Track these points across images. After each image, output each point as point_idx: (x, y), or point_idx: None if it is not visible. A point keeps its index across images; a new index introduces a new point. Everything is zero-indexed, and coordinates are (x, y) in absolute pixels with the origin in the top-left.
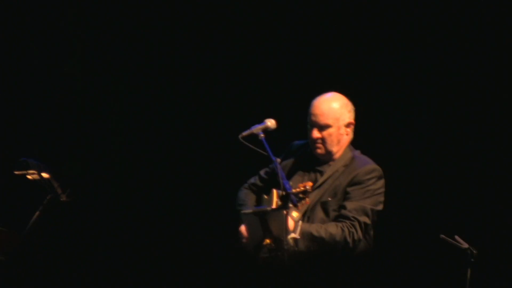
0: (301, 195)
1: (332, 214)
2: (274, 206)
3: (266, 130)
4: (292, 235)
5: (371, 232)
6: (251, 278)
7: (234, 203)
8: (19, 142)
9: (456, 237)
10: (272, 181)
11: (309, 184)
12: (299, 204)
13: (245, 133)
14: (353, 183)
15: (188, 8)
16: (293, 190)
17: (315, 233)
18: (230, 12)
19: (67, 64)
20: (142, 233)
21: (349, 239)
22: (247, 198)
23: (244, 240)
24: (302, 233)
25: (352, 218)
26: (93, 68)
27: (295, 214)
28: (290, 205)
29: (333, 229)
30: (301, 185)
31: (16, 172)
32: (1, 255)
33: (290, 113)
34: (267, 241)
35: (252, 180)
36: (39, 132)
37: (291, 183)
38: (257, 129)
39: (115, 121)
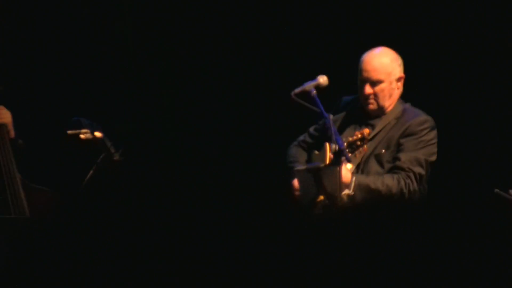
0: (358, 143)
1: (387, 165)
2: (327, 161)
3: (318, 87)
4: (346, 191)
5: (426, 185)
6: (306, 233)
7: (284, 161)
8: (71, 101)
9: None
10: (321, 138)
11: (366, 131)
12: (356, 152)
13: (297, 90)
14: (406, 134)
15: None
16: (350, 139)
17: (372, 185)
18: None
19: (120, 23)
20: (198, 195)
21: (405, 190)
22: (297, 155)
23: (296, 193)
24: (359, 185)
25: (407, 169)
26: (147, 29)
27: (349, 166)
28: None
29: (389, 181)
30: (357, 132)
31: (69, 132)
32: (45, 214)
33: (339, 69)
34: (321, 197)
35: (301, 138)
36: (92, 91)
37: (343, 138)
38: (309, 86)
39: (167, 82)
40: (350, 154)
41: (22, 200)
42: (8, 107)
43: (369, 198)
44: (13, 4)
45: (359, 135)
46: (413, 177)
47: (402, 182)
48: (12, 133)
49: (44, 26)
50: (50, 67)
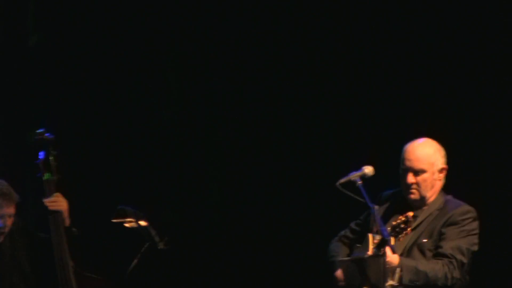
0: (402, 225)
1: (428, 254)
2: (370, 252)
3: (363, 177)
4: (391, 282)
5: (467, 276)
6: None
7: (326, 256)
8: (116, 190)
9: None
10: (363, 233)
11: (410, 214)
12: (400, 236)
13: (342, 180)
14: (448, 223)
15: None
16: (394, 222)
17: (420, 267)
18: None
19: (165, 113)
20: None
21: (448, 276)
22: (339, 249)
23: (341, 284)
24: (407, 266)
25: (450, 256)
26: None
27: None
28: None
29: (435, 265)
30: (401, 216)
31: (114, 220)
32: None
33: (383, 160)
34: None
35: (342, 232)
36: (136, 180)
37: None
38: (354, 176)
39: (211, 170)
40: (394, 239)
41: (73, 287)
42: (64, 195)
43: (416, 280)
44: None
45: (403, 218)
46: (455, 264)
47: (446, 268)
48: (68, 221)
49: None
50: (98, 156)
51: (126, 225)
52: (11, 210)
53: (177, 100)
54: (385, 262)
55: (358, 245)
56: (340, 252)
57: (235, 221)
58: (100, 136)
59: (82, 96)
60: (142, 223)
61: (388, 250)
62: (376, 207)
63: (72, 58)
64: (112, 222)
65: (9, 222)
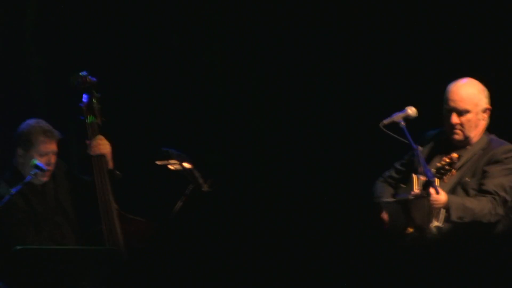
0: (447, 167)
1: (472, 193)
2: (414, 193)
3: (406, 118)
4: (435, 223)
5: (511, 215)
6: (396, 265)
7: (371, 196)
8: (160, 132)
9: None
10: (408, 172)
11: (454, 156)
12: (445, 177)
13: (386, 121)
14: (490, 162)
15: None
16: (438, 164)
17: (467, 204)
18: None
19: (206, 53)
20: (282, 226)
21: (493, 212)
22: (384, 190)
23: (386, 227)
24: (455, 204)
25: (493, 192)
26: (233, 57)
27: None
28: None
29: (480, 201)
30: (445, 157)
31: (157, 162)
32: (139, 244)
33: (425, 101)
34: (410, 229)
35: (387, 173)
36: (181, 121)
37: (430, 169)
38: (397, 116)
39: (255, 112)
40: (438, 180)
41: (117, 230)
42: (107, 138)
43: (464, 216)
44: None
45: (447, 160)
46: (499, 200)
47: (490, 204)
48: (111, 164)
49: (141, 61)
50: (141, 98)
51: (170, 167)
52: (53, 146)
53: (221, 43)
54: (429, 203)
55: (402, 185)
56: (385, 193)
57: (280, 163)
58: (143, 78)
59: (125, 38)
60: (186, 165)
61: (432, 191)
62: (420, 148)
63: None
64: (155, 164)
65: (52, 159)
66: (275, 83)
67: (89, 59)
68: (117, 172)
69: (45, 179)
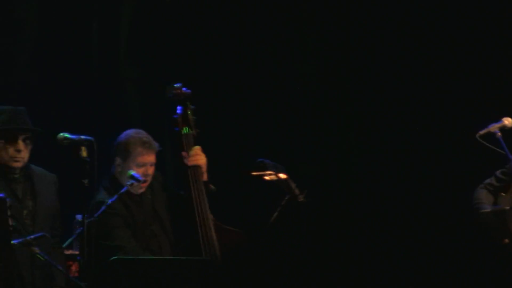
0: None
1: None
2: None
3: (503, 129)
4: None
5: None
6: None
7: (471, 202)
8: (255, 143)
9: None
10: (509, 181)
11: None
12: None
13: (482, 132)
14: None
15: None
16: None
17: None
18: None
19: (302, 67)
20: (375, 235)
21: None
22: (484, 197)
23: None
24: None
25: None
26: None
27: None
28: None
29: None
30: None
31: (253, 173)
32: (233, 255)
33: None
34: (506, 240)
35: (488, 180)
36: (276, 132)
37: None
38: (494, 127)
39: (350, 125)
40: None
41: (214, 241)
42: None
43: None
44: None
45: None
46: None
47: None
48: (206, 176)
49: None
50: (235, 110)
51: (266, 178)
52: (151, 158)
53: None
54: None
55: (502, 194)
56: (485, 200)
57: (373, 174)
58: (237, 89)
59: (219, 51)
60: (282, 175)
61: None
62: None
63: (207, 14)
64: (251, 175)
65: (150, 170)
66: (367, 97)
67: (183, 70)
68: (212, 186)
69: (141, 190)
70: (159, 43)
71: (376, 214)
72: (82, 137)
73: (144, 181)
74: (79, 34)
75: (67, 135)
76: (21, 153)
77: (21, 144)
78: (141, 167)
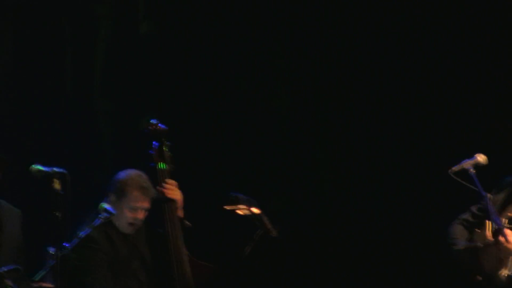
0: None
1: None
2: (486, 240)
3: (476, 166)
4: (505, 271)
5: None
6: None
7: (445, 238)
8: (228, 178)
9: None
10: (484, 218)
11: None
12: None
13: (455, 168)
14: None
15: None
16: (510, 214)
17: None
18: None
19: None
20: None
21: None
22: (458, 232)
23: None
24: None
25: None
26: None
27: None
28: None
29: None
30: (510, 213)
31: (226, 207)
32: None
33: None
34: (478, 277)
35: (463, 215)
36: (247, 167)
37: (506, 214)
38: (467, 164)
39: (322, 160)
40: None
41: (188, 276)
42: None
43: None
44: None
45: (510, 215)
46: None
47: None
48: (181, 213)
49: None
50: (208, 144)
51: (239, 212)
52: (146, 204)
53: (287, 91)
54: (499, 251)
55: (477, 230)
56: (459, 235)
57: (347, 209)
58: (209, 127)
59: (192, 86)
60: (255, 210)
61: (501, 239)
62: (489, 195)
63: (182, 47)
64: (224, 209)
65: (141, 215)
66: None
67: (157, 104)
68: (187, 222)
69: (129, 232)
70: (133, 76)
71: (350, 250)
72: (55, 169)
73: (134, 224)
74: (53, 65)
75: (40, 167)
76: None
77: None
78: (134, 211)
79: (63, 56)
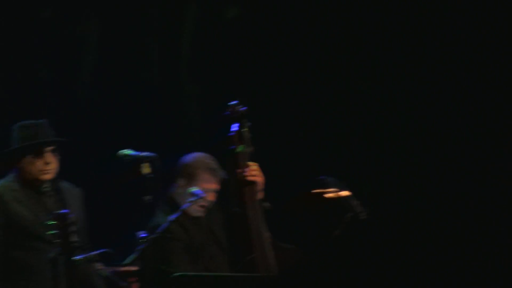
0: None
1: None
2: None
3: None
4: None
5: None
6: None
7: None
8: (317, 161)
9: None
10: None
11: None
12: None
13: None
14: None
15: None
16: None
17: None
18: None
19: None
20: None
21: None
22: None
23: None
24: None
25: None
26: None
27: None
28: None
29: None
30: None
31: (315, 191)
32: (288, 272)
33: None
34: None
35: None
36: (337, 150)
37: None
38: None
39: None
40: None
41: (270, 259)
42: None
43: None
44: None
45: None
46: None
47: None
48: (262, 195)
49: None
50: (293, 126)
51: (327, 196)
52: (216, 185)
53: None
54: None
55: None
56: None
57: (438, 193)
58: (296, 109)
59: (278, 69)
60: (344, 193)
61: None
62: None
63: (267, 31)
64: (312, 193)
65: (211, 197)
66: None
67: (244, 87)
68: (267, 204)
69: (199, 214)
70: (219, 61)
71: (442, 233)
72: (144, 153)
73: (203, 206)
74: (140, 51)
75: (127, 152)
76: (50, 165)
77: (49, 156)
78: (204, 193)
79: (150, 42)
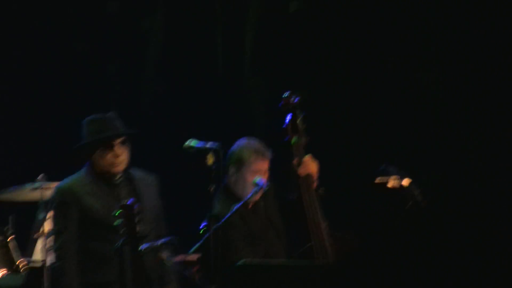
0: None
1: None
2: None
3: None
4: None
5: None
6: None
7: None
8: (377, 149)
9: None
10: None
11: None
12: None
13: None
14: None
15: None
16: None
17: None
18: None
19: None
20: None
21: None
22: None
23: None
24: None
25: None
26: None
27: None
28: None
29: None
30: None
31: (377, 180)
32: (345, 260)
33: None
34: None
35: None
36: (398, 138)
37: None
38: None
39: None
40: None
41: (327, 248)
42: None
43: None
44: None
45: None
46: None
47: None
48: (316, 183)
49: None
50: (348, 114)
51: (389, 184)
52: (265, 165)
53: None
54: None
55: None
56: None
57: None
58: (357, 100)
59: (339, 62)
60: (405, 181)
61: None
62: None
63: (329, 24)
64: (374, 182)
65: (263, 177)
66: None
67: (307, 79)
68: (321, 190)
69: (257, 198)
70: (282, 53)
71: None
72: (208, 145)
73: (260, 188)
74: (204, 44)
75: (192, 144)
76: (120, 157)
77: (118, 149)
78: (255, 174)
79: (214, 35)
